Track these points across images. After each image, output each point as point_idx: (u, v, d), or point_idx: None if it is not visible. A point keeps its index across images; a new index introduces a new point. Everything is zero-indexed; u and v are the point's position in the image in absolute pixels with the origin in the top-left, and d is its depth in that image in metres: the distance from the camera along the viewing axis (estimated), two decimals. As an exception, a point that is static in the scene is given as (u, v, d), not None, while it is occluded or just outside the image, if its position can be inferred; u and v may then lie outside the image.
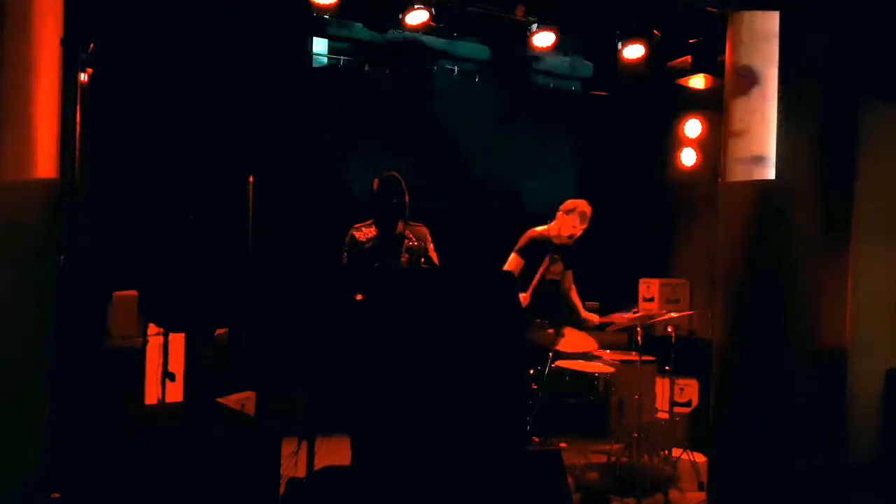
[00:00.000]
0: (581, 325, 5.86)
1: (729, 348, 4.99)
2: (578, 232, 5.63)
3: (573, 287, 5.99)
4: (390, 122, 7.17)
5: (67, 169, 4.00)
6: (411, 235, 5.00)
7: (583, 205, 5.62)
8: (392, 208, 4.89)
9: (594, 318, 5.96)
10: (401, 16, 5.64)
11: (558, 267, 5.74)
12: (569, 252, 5.74)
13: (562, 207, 5.68)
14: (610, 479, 5.19)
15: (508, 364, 4.10)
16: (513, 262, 5.64)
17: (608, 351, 5.76)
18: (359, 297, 4.75)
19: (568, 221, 5.61)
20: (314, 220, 6.48)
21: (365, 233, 4.99)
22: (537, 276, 5.63)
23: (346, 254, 4.99)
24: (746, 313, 4.92)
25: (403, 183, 4.91)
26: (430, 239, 5.10)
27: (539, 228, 5.74)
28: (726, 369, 5.00)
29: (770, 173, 4.87)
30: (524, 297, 5.55)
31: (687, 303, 7.25)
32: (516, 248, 5.68)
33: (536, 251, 5.65)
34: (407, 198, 4.92)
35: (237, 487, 3.70)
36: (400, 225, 4.99)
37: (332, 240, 5.16)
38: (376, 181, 4.95)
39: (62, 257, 3.99)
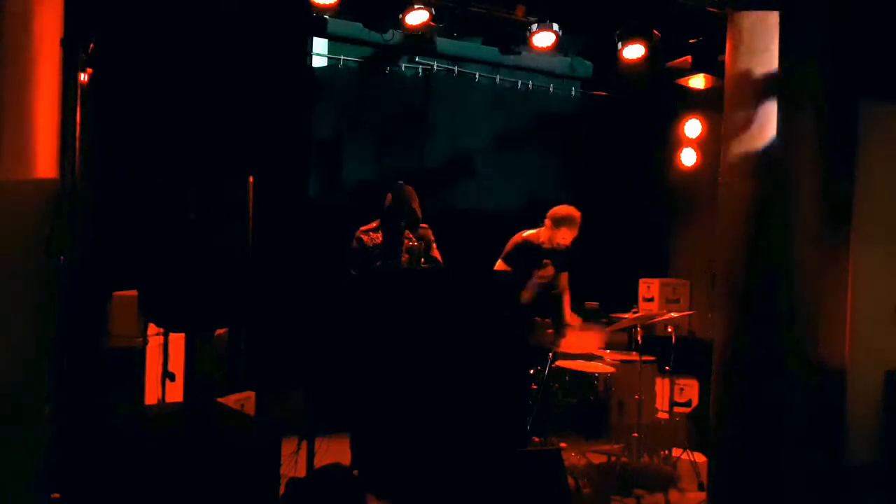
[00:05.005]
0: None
1: (729, 348, 4.99)
2: (568, 241, 5.58)
3: (567, 290, 5.94)
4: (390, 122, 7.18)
5: (67, 169, 3.99)
6: (412, 236, 5.00)
7: (571, 211, 5.55)
8: (401, 226, 4.92)
9: (576, 322, 5.93)
10: (401, 16, 5.63)
11: (548, 271, 5.71)
12: (560, 256, 5.70)
13: (550, 216, 5.58)
14: (610, 479, 5.19)
15: (509, 364, 4.11)
16: (498, 269, 5.61)
17: (608, 351, 5.76)
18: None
19: (558, 232, 5.53)
20: (314, 220, 6.48)
21: (372, 237, 5.01)
22: (531, 288, 5.61)
23: (355, 258, 4.98)
24: (746, 313, 4.92)
25: (415, 198, 4.92)
26: (433, 240, 5.11)
27: (527, 233, 5.67)
28: (726, 369, 5.00)
29: (770, 173, 4.87)
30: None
31: (687, 303, 7.25)
32: (503, 254, 5.64)
33: (524, 257, 5.59)
34: (419, 212, 4.94)
35: (237, 487, 3.70)
36: (405, 234, 5.02)
37: (332, 239, 5.16)
38: (389, 195, 4.97)
39: (62, 257, 3.98)
